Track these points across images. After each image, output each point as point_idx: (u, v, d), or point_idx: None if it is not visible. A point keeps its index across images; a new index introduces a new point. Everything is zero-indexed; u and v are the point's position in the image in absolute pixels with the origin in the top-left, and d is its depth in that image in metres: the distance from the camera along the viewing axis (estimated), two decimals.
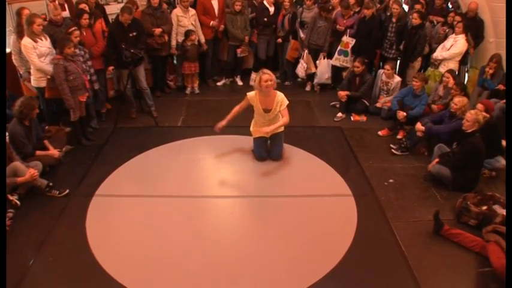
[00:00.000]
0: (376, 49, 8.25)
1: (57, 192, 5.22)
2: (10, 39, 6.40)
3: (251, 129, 6.09)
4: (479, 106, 5.84)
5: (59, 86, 5.84)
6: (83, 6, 6.77)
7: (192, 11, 7.87)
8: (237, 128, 6.90)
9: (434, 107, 6.91)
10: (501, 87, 6.91)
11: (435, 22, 8.21)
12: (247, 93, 5.87)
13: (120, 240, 4.58)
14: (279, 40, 8.49)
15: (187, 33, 7.78)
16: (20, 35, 6.08)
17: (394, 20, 7.90)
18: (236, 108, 5.96)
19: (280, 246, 4.52)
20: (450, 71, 6.98)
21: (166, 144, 6.49)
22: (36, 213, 4.93)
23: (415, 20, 7.52)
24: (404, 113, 6.65)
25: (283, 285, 4.10)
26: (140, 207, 5.12)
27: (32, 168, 5.10)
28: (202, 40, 8.09)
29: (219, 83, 8.92)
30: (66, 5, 7.09)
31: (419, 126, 6.23)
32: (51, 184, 5.22)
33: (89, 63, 6.47)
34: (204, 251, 4.44)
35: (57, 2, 6.63)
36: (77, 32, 6.12)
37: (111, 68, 6.93)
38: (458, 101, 6.04)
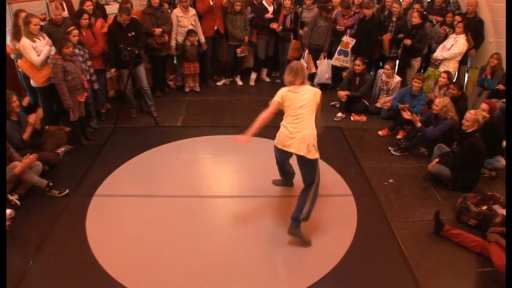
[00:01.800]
0: (375, 49, 8.28)
1: (57, 192, 5.22)
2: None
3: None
4: (483, 105, 5.82)
5: (57, 86, 5.84)
6: (87, 4, 6.79)
7: (192, 11, 7.86)
8: (237, 128, 6.92)
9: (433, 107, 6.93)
10: (501, 87, 6.92)
11: (434, 22, 8.22)
12: (317, 89, 4.64)
13: (120, 240, 4.58)
14: (280, 28, 8.34)
15: (189, 33, 7.79)
16: (15, 35, 6.10)
17: (394, 19, 7.93)
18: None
19: (281, 246, 4.52)
20: (447, 72, 7.02)
21: (166, 144, 6.49)
22: (36, 213, 4.92)
23: (415, 19, 7.53)
24: (409, 113, 6.61)
25: (283, 285, 4.11)
26: (140, 207, 5.12)
27: (32, 166, 5.14)
28: (202, 40, 8.09)
29: (219, 83, 8.91)
30: (65, 5, 7.08)
31: (415, 116, 6.30)
32: (51, 184, 5.21)
33: (89, 63, 6.46)
34: (203, 250, 4.45)
35: (57, 2, 6.61)
36: (76, 32, 6.10)
37: (113, 70, 6.92)
38: (439, 101, 6.11)
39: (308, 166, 4.48)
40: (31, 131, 5.47)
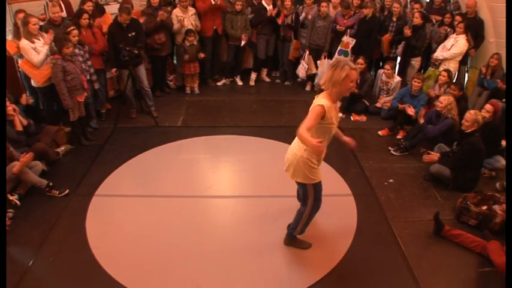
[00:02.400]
0: (375, 49, 8.28)
1: (57, 192, 5.21)
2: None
3: (314, 170, 3.96)
4: (488, 107, 5.79)
5: (57, 86, 5.84)
6: (88, 5, 6.82)
7: (191, 11, 7.86)
8: (237, 128, 6.95)
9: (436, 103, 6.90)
10: (499, 83, 6.90)
11: (434, 21, 8.22)
12: (320, 102, 3.78)
13: (120, 240, 4.58)
14: (280, 21, 8.29)
15: (187, 33, 7.79)
16: (15, 35, 6.13)
17: (394, 19, 7.93)
18: (307, 133, 3.56)
19: (281, 246, 4.52)
20: (447, 70, 7.02)
21: (166, 144, 6.49)
22: (36, 213, 4.92)
23: (416, 19, 7.53)
24: (413, 109, 6.59)
25: (283, 285, 4.10)
26: (140, 207, 5.12)
27: (32, 166, 5.16)
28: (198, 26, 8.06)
29: (219, 83, 8.91)
30: (63, 5, 7.07)
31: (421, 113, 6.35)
32: (51, 184, 5.21)
33: (89, 63, 6.48)
34: (203, 250, 4.45)
35: (54, 1, 6.62)
36: (75, 32, 6.11)
37: (114, 70, 6.93)
38: (444, 99, 6.10)
39: (299, 187, 4.24)
40: (18, 121, 5.47)
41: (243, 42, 8.35)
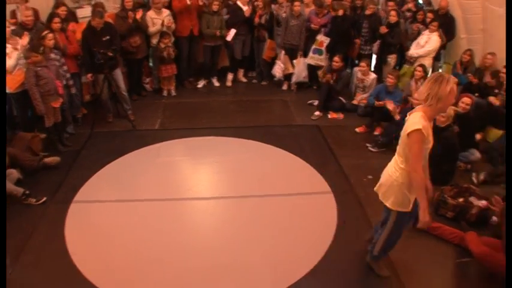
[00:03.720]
0: (349, 46, 8.37)
1: (34, 200, 5.11)
2: None
3: (405, 197, 3.65)
4: (467, 100, 5.84)
5: (29, 91, 5.72)
6: (62, 9, 6.75)
7: (165, 12, 7.81)
8: (214, 129, 6.93)
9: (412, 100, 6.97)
10: (471, 77, 7.06)
11: (411, 8, 8.37)
12: (415, 126, 3.41)
13: (99, 246, 4.52)
14: (257, 20, 8.37)
15: (162, 35, 7.74)
16: None
17: (368, 13, 8.00)
18: (422, 174, 3.47)
19: (262, 246, 4.54)
20: (421, 66, 7.13)
21: (144, 148, 6.43)
22: (13, 223, 4.79)
23: (392, 17, 7.64)
24: (393, 104, 6.63)
25: (265, 284, 4.11)
26: (119, 212, 5.07)
27: (7, 175, 5.07)
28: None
29: (199, 85, 8.86)
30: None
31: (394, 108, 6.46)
32: (27, 192, 5.10)
33: (65, 67, 6.39)
34: (185, 253, 4.43)
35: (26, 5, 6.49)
36: (51, 35, 6.00)
37: (89, 75, 6.86)
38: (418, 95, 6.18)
39: (385, 210, 3.95)
40: None
41: (229, 37, 8.33)
